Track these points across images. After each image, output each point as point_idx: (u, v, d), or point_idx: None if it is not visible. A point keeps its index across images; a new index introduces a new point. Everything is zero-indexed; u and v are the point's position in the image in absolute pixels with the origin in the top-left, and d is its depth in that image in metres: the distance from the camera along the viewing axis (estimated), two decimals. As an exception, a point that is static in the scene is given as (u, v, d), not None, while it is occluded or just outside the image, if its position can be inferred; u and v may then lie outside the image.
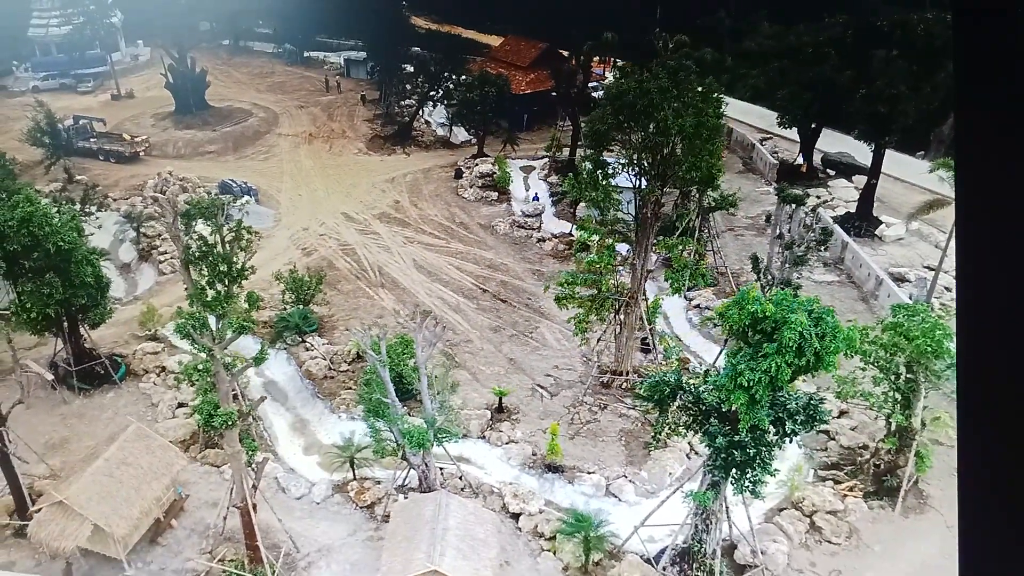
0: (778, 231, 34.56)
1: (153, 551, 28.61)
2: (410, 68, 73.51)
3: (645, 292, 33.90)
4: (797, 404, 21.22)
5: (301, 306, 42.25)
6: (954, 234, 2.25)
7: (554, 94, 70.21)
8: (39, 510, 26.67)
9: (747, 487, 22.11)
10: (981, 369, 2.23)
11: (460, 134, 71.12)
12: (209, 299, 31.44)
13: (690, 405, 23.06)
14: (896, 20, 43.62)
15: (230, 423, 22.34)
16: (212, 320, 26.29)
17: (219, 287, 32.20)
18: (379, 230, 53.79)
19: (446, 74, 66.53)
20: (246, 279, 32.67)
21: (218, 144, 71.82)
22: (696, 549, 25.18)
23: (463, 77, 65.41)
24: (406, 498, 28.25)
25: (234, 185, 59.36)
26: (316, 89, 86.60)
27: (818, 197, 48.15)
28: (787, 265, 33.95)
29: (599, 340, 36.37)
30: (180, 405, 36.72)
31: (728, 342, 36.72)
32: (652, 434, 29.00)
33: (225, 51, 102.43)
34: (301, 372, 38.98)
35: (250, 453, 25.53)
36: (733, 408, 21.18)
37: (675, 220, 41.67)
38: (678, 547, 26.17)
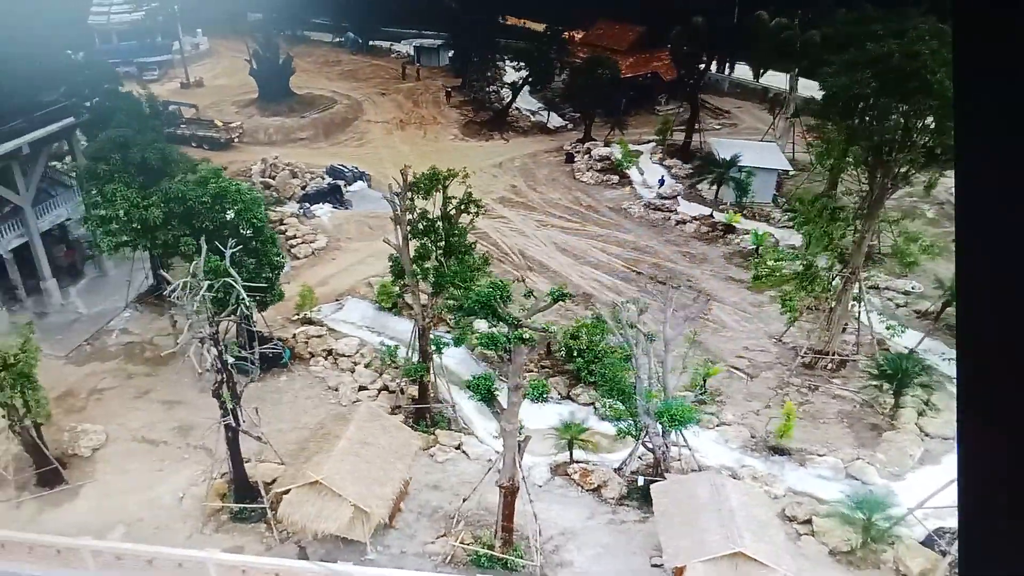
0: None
1: (388, 534, 27.40)
2: (497, 55, 72.07)
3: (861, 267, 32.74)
4: None
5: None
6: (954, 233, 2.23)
7: (647, 77, 69.00)
8: (287, 491, 25.44)
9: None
10: (983, 368, 2.19)
11: (554, 119, 69.89)
12: (445, 273, 30.34)
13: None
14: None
15: (544, 395, 21.18)
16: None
17: (435, 260, 31.16)
18: (505, 214, 52.49)
19: (551, 60, 65.20)
20: (470, 256, 31.53)
21: (308, 131, 70.57)
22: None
23: (567, 62, 64.22)
24: (657, 480, 26.96)
25: (345, 170, 58.16)
26: (392, 77, 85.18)
27: None
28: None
29: (798, 319, 35.16)
30: (361, 388, 35.52)
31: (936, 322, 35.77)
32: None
33: (283, 41, 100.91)
34: (475, 355, 37.75)
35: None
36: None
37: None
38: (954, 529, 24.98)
